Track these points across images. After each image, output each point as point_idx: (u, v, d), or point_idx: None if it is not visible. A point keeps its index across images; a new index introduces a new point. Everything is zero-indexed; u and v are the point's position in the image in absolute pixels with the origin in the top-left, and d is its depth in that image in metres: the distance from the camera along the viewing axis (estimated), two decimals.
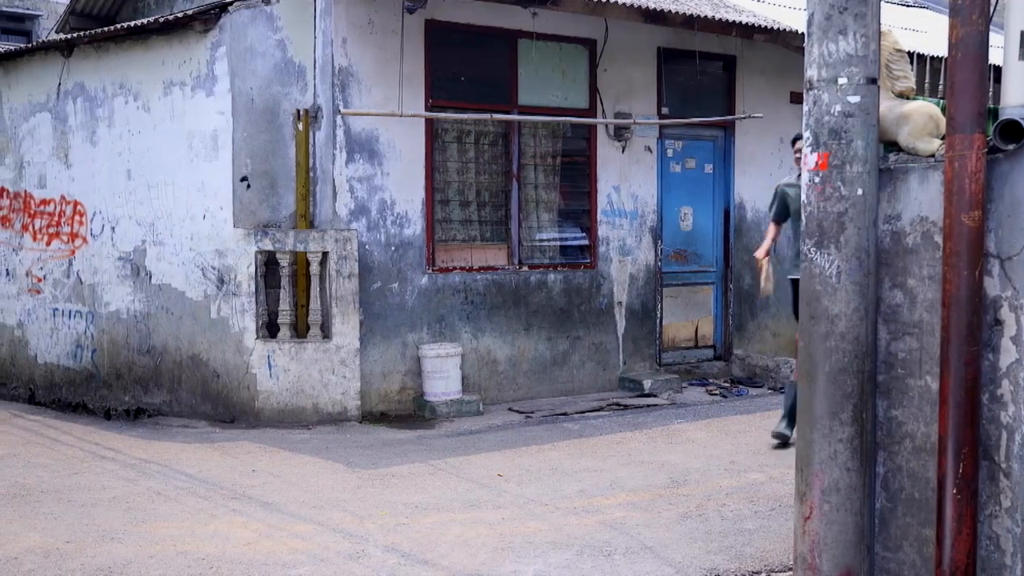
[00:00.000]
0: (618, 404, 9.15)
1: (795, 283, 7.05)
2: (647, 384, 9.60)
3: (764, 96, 10.69)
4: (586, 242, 9.84)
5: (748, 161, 10.81)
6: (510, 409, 8.89)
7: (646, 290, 10.13)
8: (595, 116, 9.66)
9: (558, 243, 9.72)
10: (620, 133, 9.84)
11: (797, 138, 7.40)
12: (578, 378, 9.68)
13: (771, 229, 7.68)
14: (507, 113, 9.04)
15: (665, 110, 10.15)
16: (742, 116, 9.83)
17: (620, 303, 9.95)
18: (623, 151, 9.95)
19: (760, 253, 7.61)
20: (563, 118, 9.39)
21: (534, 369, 9.40)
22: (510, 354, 9.26)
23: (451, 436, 7.90)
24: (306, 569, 4.78)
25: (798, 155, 7.41)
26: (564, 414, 8.73)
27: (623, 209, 10.00)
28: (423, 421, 8.43)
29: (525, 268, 9.39)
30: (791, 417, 7.18)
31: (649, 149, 10.15)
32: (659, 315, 10.23)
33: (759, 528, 5.36)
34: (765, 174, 10.89)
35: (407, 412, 8.64)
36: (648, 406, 9.11)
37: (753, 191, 10.83)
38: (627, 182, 10.00)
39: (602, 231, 9.85)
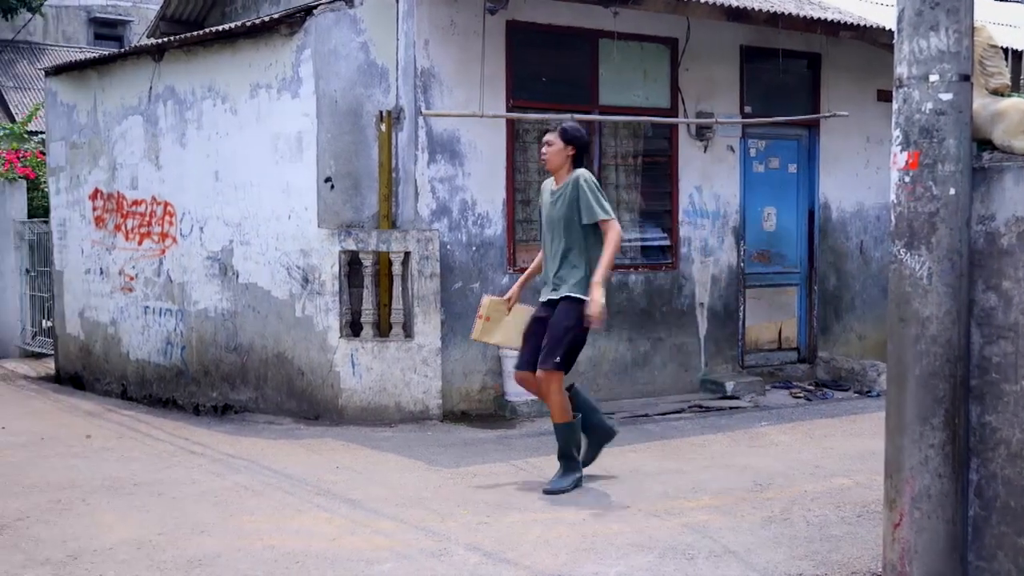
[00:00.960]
0: (699, 406, 9.07)
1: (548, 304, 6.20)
2: (729, 386, 9.50)
3: (850, 94, 10.49)
4: (667, 242, 9.77)
5: (833, 160, 10.63)
6: None
7: (728, 291, 10.02)
8: (676, 116, 9.60)
9: (639, 243, 9.68)
10: (702, 133, 9.76)
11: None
12: (659, 380, 9.62)
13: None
14: (588, 113, 9.02)
15: (748, 109, 10.03)
16: (827, 115, 9.67)
17: (702, 304, 9.86)
18: (705, 151, 9.86)
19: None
20: (644, 118, 9.35)
21: (614, 370, 9.37)
22: (590, 355, 9.23)
23: (532, 436, 7.91)
24: (389, 566, 4.83)
25: None
26: (645, 415, 8.69)
27: (705, 209, 9.92)
28: (504, 421, 8.46)
29: None
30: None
31: (732, 149, 10.05)
32: (742, 317, 10.12)
33: (846, 534, 5.27)
34: (851, 174, 10.71)
35: (488, 412, 8.67)
36: (730, 408, 9.02)
37: (839, 191, 10.66)
38: (709, 182, 9.91)
39: (684, 231, 9.77)
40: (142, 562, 4.85)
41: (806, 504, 5.83)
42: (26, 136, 16.19)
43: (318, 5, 8.27)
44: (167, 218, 9.60)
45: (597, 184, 6.26)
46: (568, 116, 8.61)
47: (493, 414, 8.64)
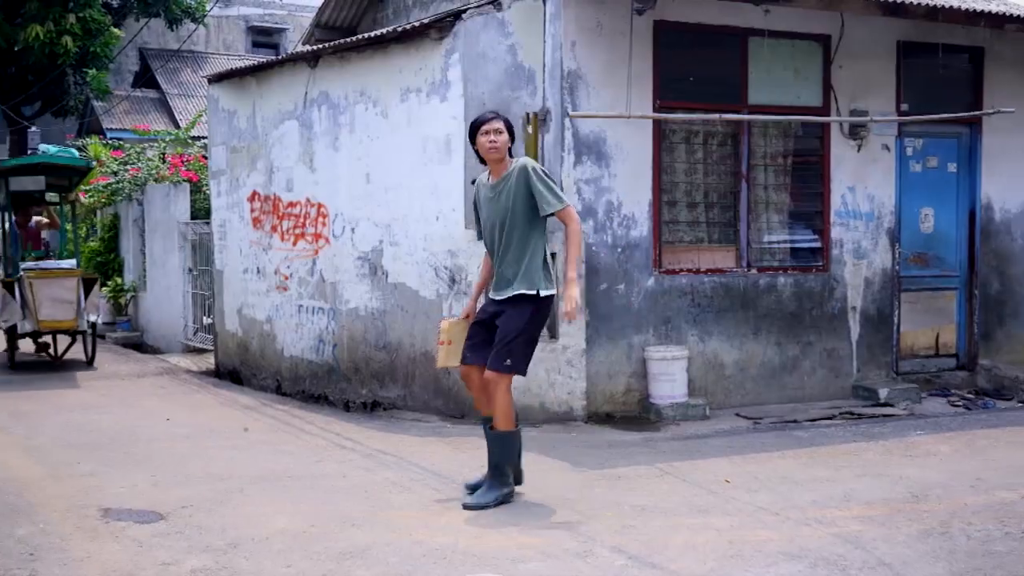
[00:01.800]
0: (851, 413, 8.81)
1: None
2: (883, 393, 9.20)
3: (1016, 90, 10.02)
4: (818, 244, 9.53)
5: (997, 159, 10.16)
6: (737, 414, 8.73)
7: (882, 295, 9.71)
8: (829, 114, 9.35)
9: (788, 245, 9.47)
10: (856, 131, 9.47)
11: (480, 122, 5.89)
12: (808, 385, 9.38)
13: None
14: (737, 113, 8.88)
15: (904, 107, 9.69)
16: (991, 111, 9.26)
17: (854, 308, 9.58)
18: (858, 150, 9.58)
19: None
20: (795, 117, 9.14)
21: (762, 374, 9.19)
22: (737, 358, 9.10)
23: (677, 439, 7.83)
24: (535, 565, 4.86)
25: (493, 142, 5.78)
26: (794, 421, 8.49)
27: (858, 210, 9.63)
28: (648, 423, 8.41)
29: (754, 271, 9.20)
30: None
31: (887, 148, 9.72)
32: (896, 321, 9.78)
33: (1011, 551, 5.03)
34: (1018, 173, 10.22)
35: (632, 414, 8.63)
36: (884, 416, 8.74)
37: (1003, 191, 10.19)
38: (862, 182, 9.62)
39: (835, 233, 9.51)
40: (297, 552, 5.01)
41: (966, 518, 5.59)
42: (189, 141, 16.96)
43: (467, 9, 8.38)
44: (320, 219, 9.89)
45: (545, 171, 5.91)
46: (717, 116, 8.56)
47: (637, 416, 8.59)
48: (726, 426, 8.31)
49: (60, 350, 12.17)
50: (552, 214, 5.75)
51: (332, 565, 4.82)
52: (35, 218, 13.60)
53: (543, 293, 5.76)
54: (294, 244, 10.26)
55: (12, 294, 11.21)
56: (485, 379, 5.80)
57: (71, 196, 13.16)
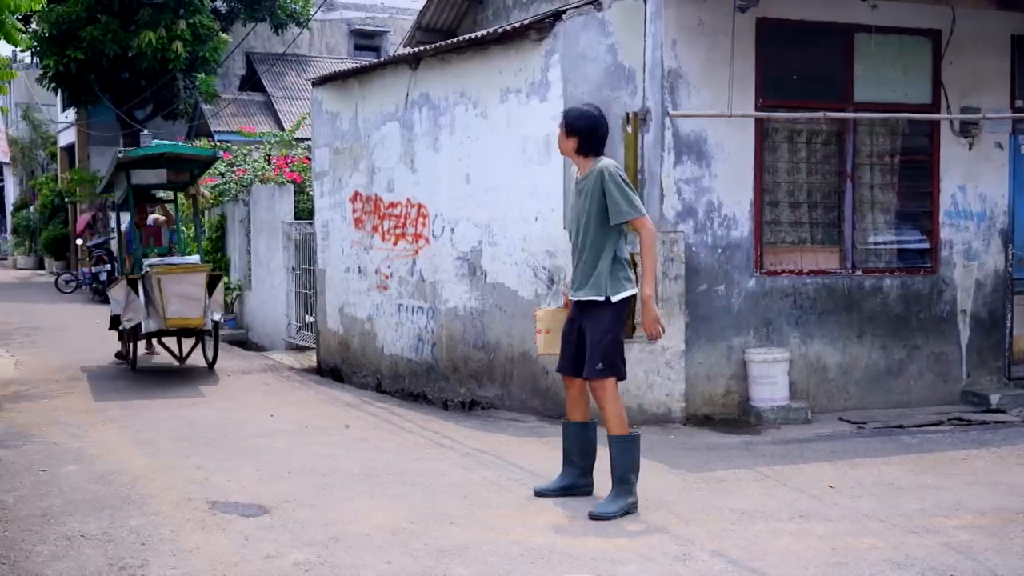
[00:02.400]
0: (960, 419, 8.55)
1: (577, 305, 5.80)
2: (994, 399, 8.92)
3: None
4: (926, 245, 9.28)
5: None
6: (840, 419, 8.55)
7: (994, 297, 9.40)
8: (939, 112, 9.09)
9: (895, 246, 9.23)
10: (967, 129, 9.19)
11: None
12: (915, 390, 9.14)
13: None
14: (842, 111, 8.70)
15: (1020, 103, 9.36)
16: None
17: (964, 311, 9.30)
18: (969, 148, 9.30)
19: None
20: (903, 114, 8.91)
21: (866, 378, 8.99)
22: (840, 361, 8.91)
23: (778, 443, 7.71)
24: (633, 567, 4.84)
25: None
26: (900, 427, 8.28)
27: (969, 210, 9.35)
28: (748, 426, 8.29)
29: (859, 272, 9.00)
30: (571, 464, 6.05)
31: (1000, 146, 9.42)
32: (1009, 325, 9.46)
33: None
34: None
35: (731, 416, 8.52)
36: (995, 423, 8.46)
37: None
38: (973, 181, 9.33)
39: (944, 234, 9.25)
40: (397, 548, 5.08)
41: None
42: (294, 143, 17.30)
43: (567, 10, 8.38)
44: (420, 220, 10.00)
45: (623, 176, 5.72)
46: (821, 114, 8.40)
47: (737, 419, 8.49)
48: (829, 430, 8.15)
49: (181, 350, 11.75)
50: (624, 223, 5.66)
51: (431, 562, 4.88)
52: (151, 216, 12.89)
53: (614, 299, 5.68)
54: (395, 244, 10.39)
55: (136, 292, 10.66)
56: (590, 388, 5.78)
57: (192, 190, 12.33)
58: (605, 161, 5.79)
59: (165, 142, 14.65)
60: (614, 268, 5.70)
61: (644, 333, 5.71)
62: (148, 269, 10.61)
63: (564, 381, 6.05)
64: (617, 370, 5.74)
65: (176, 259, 11.47)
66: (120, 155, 10.86)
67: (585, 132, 5.82)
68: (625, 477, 5.70)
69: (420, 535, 5.30)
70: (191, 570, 4.76)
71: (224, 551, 5.03)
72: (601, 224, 5.70)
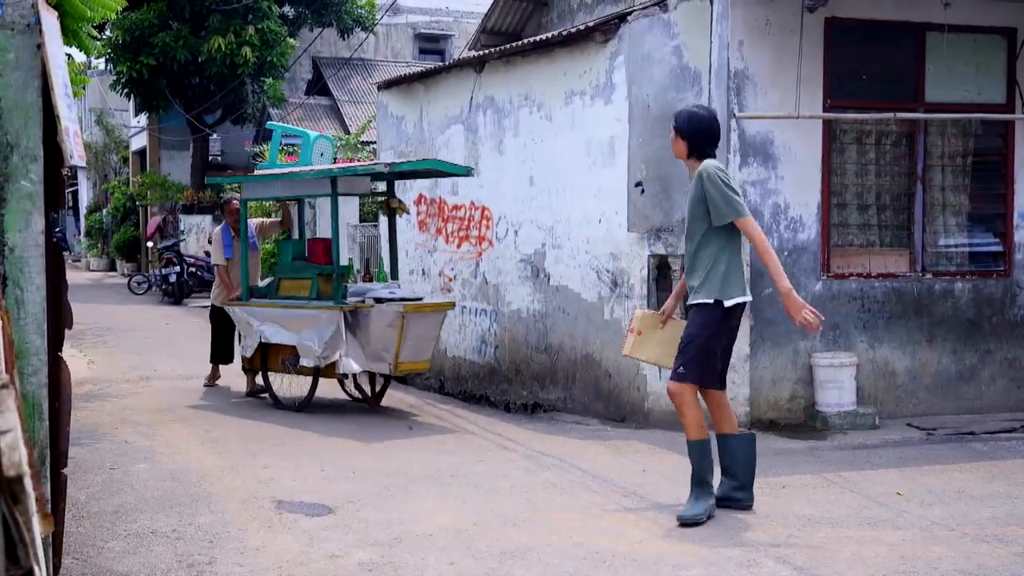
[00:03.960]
0: None
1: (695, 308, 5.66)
2: None
3: None
4: (999, 248, 9.07)
5: None
6: (908, 424, 8.39)
7: None
8: (1012, 112, 8.88)
9: (966, 249, 9.04)
10: None
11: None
12: (987, 395, 8.94)
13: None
14: (912, 111, 8.54)
15: None
16: None
17: None
18: None
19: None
20: (976, 115, 8.72)
21: (936, 383, 8.81)
22: (910, 366, 8.75)
23: (844, 449, 7.59)
24: (698, 571, 4.80)
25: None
26: (971, 433, 8.11)
27: None
28: (814, 431, 8.18)
29: (929, 275, 8.83)
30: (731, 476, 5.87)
31: None
32: None
33: None
34: None
35: (797, 421, 8.42)
36: None
37: None
38: None
39: (1019, 237, 9.03)
40: (459, 549, 5.10)
41: None
42: (359, 146, 17.46)
43: (632, 11, 8.35)
44: (484, 222, 10.03)
45: (725, 177, 5.63)
46: (891, 115, 8.26)
47: (803, 424, 8.38)
48: (897, 436, 8.00)
49: (374, 388, 9.53)
50: (727, 224, 5.60)
51: (493, 564, 4.88)
52: (256, 220, 10.95)
53: (727, 303, 5.61)
54: (458, 246, 10.44)
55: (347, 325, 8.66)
56: (669, 392, 5.72)
57: (393, 202, 9.62)
58: (707, 163, 5.71)
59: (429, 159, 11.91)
60: (728, 271, 5.64)
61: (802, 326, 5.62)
62: (369, 301, 8.68)
63: (703, 395, 5.86)
64: (694, 378, 5.65)
65: (378, 287, 9.12)
66: (386, 168, 8.63)
67: (695, 134, 5.77)
68: (701, 478, 5.66)
69: (483, 537, 5.31)
70: (257, 568, 4.82)
71: (289, 549, 5.09)
72: (708, 226, 5.65)
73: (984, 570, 4.80)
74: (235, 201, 10.52)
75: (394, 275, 9.60)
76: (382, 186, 10.41)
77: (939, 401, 8.81)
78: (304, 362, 8.90)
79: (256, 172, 10.46)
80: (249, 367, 9.75)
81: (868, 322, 8.64)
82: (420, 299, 9.24)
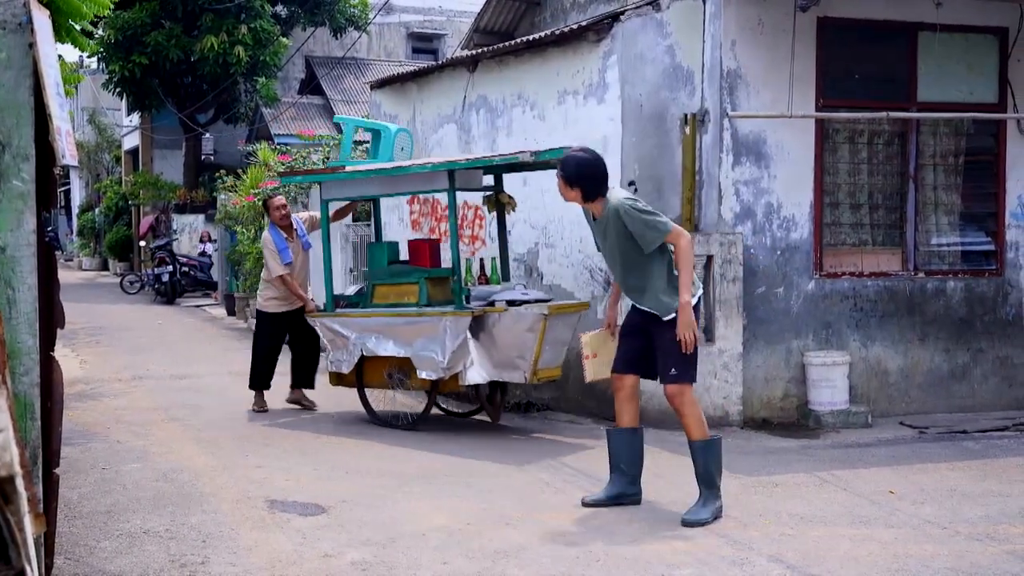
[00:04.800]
0: None
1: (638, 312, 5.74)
2: None
3: None
4: (991, 247, 9.10)
5: None
6: (901, 423, 8.42)
7: None
8: (1004, 111, 8.91)
9: (959, 248, 9.07)
10: None
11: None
12: (979, 394, 8.97)
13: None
14: (904, 111, 8.57)
15: None
16: None
17: None
18: None
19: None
20: (968, 114, 8.74)
21: (929, 382, 8.84)
22: (902, 365, 8.77)
23: (837, 448, 7.61)
24: (689, 571, 4.80)
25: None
26: (963, 432, 8.13)
27: None
28: (806, 430, 8.20)
29: (921, 274, 8.85)
30: (620, 472, 5.92)
31: None
32: None
33: None
34: None
35: (789, 420, 8.43)
36: None
37: None
38: None
39: (1011, 236, 9.07)
40: (453, 549, 5.10)
41: None
42: (352, 145, 17.39)
43: (625, 11, 8.36)
44: (477, 221, 10.03)
45: (637, 205, 5.61)
46: (884, 114, 8.28)
47: (795, 423, 8.39)
48: (889, 435, 8.02)
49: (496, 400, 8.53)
50: (658, 246, 5.61)
51: (487, 563, 4.89)
52: (306, 214, 9.80)
53: (672, 316, 5.61)
54: None
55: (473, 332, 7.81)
56: (666, 396, 5.71)
57: (503, 197, 8.53)
58: (614, 197, 5.68)
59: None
60: (669, 283, 5.64)
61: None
62: (500, 304, 7.86)
63: (614, 382, 5.91)
64: (693, 376, 5.68)
65: (536, 293, 8.33)
66: (532, 157, 7.45)
67: (587, 179, 5.72)
68: (712, 481, 5.66)
69: (476, 536, 5.31)
70: (250, 568, 4.82)
71: (282, 549, 5.08)
72: (636, 254, 5.66)
73: (977, 568, 4.81)
74: (279, 198, 9.41)
75: (505, 276, 8.75)
76: None
77: (931, 400, 8.83)
78: (423, 374, 7.96)
79: (328, 167, 9.51)
80: (339, 383, 8.84)
81: (861, 321, 8.66)
82: (548, 299, 8.24)
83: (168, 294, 21.27)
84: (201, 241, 23.59)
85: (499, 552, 5.05)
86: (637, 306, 5.77)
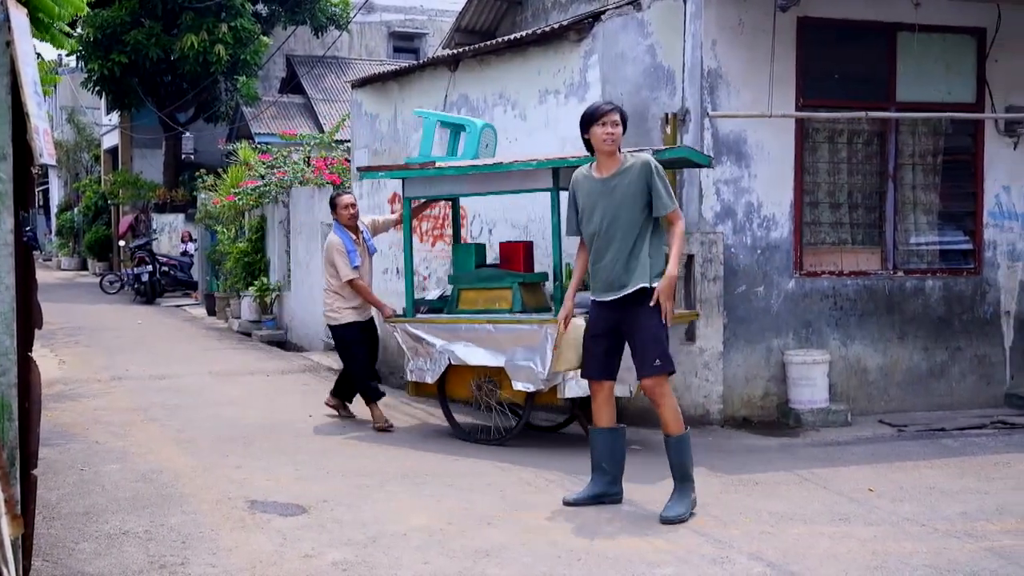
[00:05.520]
0: (1004, 422, 8.43)
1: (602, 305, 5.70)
2: None
3: None
4: (969, 246, 9.16)
5: None
6: (880, 421, 8.46)
7: None
8: (983, 111, 8.97)
9: (937, 247, 9.12)
10: (1012, 129, 9.07)
11: (599, 113, 5.65)
12: (957, 392, 9.03)
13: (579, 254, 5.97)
14: (884, 110, 8.61)
15: None
16: None
17: (1008, 312, 9.17)
18: (1014, 148, 9.17)
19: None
20: (946, 114, 8.79)
21: (907, 380, 8.89)
22: (881, 363, 8.82)
23: (817, 446, 7.65)
24: (670, 569, 4.82)
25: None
26: (941, 430, 8.18)
27: (1013, 211, 9.22)
28: (786, 429, 8.23)
29: (900, 273, 8.90)
30: (601, 471, 5.91)
31: None
32: None
33: None
34: None
35: (770, 419, 8.47)
36: None
37: None
38: (1018, 181, 9.20)
39: (988, 235, 9.13)
40: (434, 549, 5.09)
41: None
42: (333, 145, 17.39)
43: (606, 10, 8.37)
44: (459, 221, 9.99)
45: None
46: (863, 114, 8.32)
47: (776, 421, 8.42)
48: (869, 433, 8.07)
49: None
50: (664, 215, 5.64)
51: (468, 563, 4.88)
52: (367, 219, 9.12)
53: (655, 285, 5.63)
54: (432, 245, 10.42)
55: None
56: (645, 388, 5.68)
57: None
58: (645, 155, 5.76)
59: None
60: (655, 257, 5.64)
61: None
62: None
63: (591, 387, 5.92)
64: (672, 366, 5.67)
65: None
66: (655, 153, 6.49)
67: (625, 126, 5.76)
68: (687, 475, 5.69)
69: (457, 536, 5.31)
70: (230, 568, 4.80)
71: (263, 550, 5.07)
72: (644, 217, 5.63)
73: (955, 565, 4.84)
74: (348, 196, 8.69)
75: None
76: None
77: (910, 398, 8.89)
78: (519, 386, 7.39)
79: (405, 163, 8.66)
80: (417, 393, 8.42)
81: (840, 320, 8.70)
82: None
83: (148, 294, 21.18)
84: (182, 241, 23.50)
85: (480, 551, 5.05)
86: (605, 300, 5.71)
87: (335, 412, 8.91)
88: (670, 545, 5.17)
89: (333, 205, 8.65)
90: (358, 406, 8.77)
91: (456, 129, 8.49)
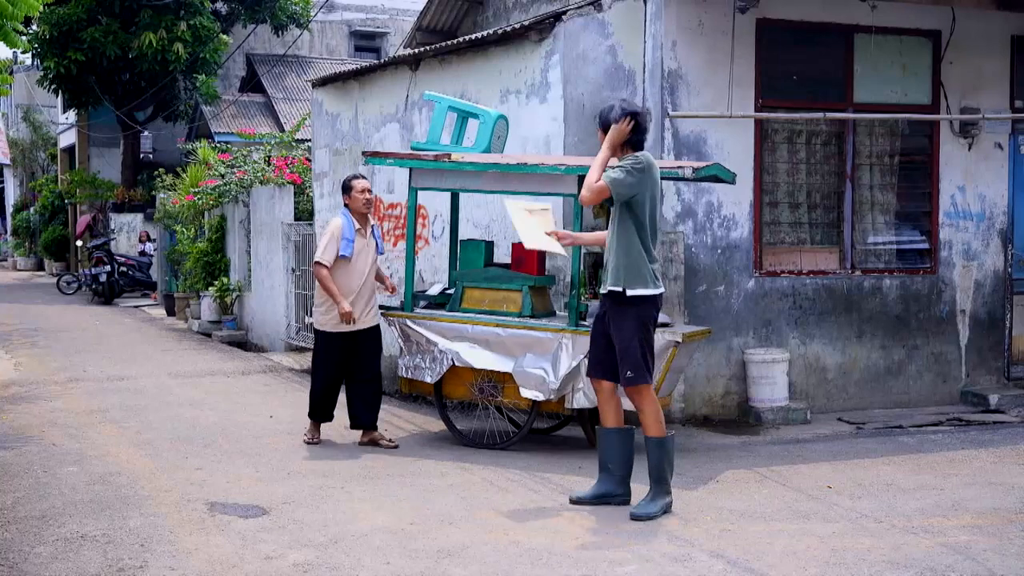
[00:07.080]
0: (959, 419, 8.56)
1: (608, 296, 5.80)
2: (993, 399, 8.92)
3: None
4: (925, 246, 9.28)
5: None
6: (839, 419, 8.56)
7: (993, 298, 9.41)
8: (938, 112, 9.09)
9: (894, 247, 9.24)
10: (966, 130, 9.20)
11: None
12: (914, 390, 9.15)
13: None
14: (841, 111, 8.71)
15: (1019, 103, 9.37)
16: None
17: (963, 311, 9.30)
18: (969, 149, 9.31)
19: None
20: (902, 115, 8.90)
21: (866, 378, 8.99)
22: (840, 362, 8.91)
23: (777, 444, 7.71)
24: (632, 568, 4.84)
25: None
26: (899, 427, 8.29)
27: (968, 211, 9.36)
28: (747, 427, 8.29)
29: (858, 272, 9.00)
30: (608, 472, 5.91)
31: (1000, 146, 9.43)
32: (1008, 325, 9.46)
33: None
34: None
35: (730, 417, 8.53)
36: (994, 423, 8.47)
37: None
38: (973, 182, 9.34)
39: (944, 234, 9.25)
40: (396, 549, 5.08)
41: None
42: (294, 144, 17.29)
43: (567, 11, 8.39)
44: (420, 220, 9.98)
45: (634, 163, 5.82)
46: (821, 115, 8.40)
47: (736, 420, 8.49)
48: (828, 431, 8.15)
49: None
50: (624, 202, 5.79)
51: (430, 563, 4.88)
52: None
53: (630, 292, 5.71)
54: (394, 244, 10.38)
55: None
56: (627, 394, 5.79)
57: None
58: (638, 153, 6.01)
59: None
60: (637, 263, 5.74)
61: None
62: (675, 335, 7.06)
63: (593, 384, 6.03)
64: (647, 377, 5.74)
65: (661, 316, 6.58)
66: (692, 173, 6.87)
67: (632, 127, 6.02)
68: (663, 477, 5.73)
69: (419, 536, 5.30)
70: (190, 571, 4.76)
71: (223, 552, 5.03)
72: (622, 213, 5.82)
73: (912, 561, 4.91)
74: (364, 180, 7.76)
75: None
76: None
77: (868, 396, 8.99)
78: (528, 394, 7.09)
79: (412, 149, 8.22)
80: (409, 392, 8.09)
81: (799, 319, 8.78)
82: (669, 323, 7.32)
83: (106, 294, 20.92)
84: (141, 241, 23.24)
85: (442, 551, 5.04)
86: (603, 293, 5.88)
87: (377, 446, 7.63)
88: (632, 544, 5.19)
89: (347, 188, 7.69)
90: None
91: (463, 116, 8.04)
